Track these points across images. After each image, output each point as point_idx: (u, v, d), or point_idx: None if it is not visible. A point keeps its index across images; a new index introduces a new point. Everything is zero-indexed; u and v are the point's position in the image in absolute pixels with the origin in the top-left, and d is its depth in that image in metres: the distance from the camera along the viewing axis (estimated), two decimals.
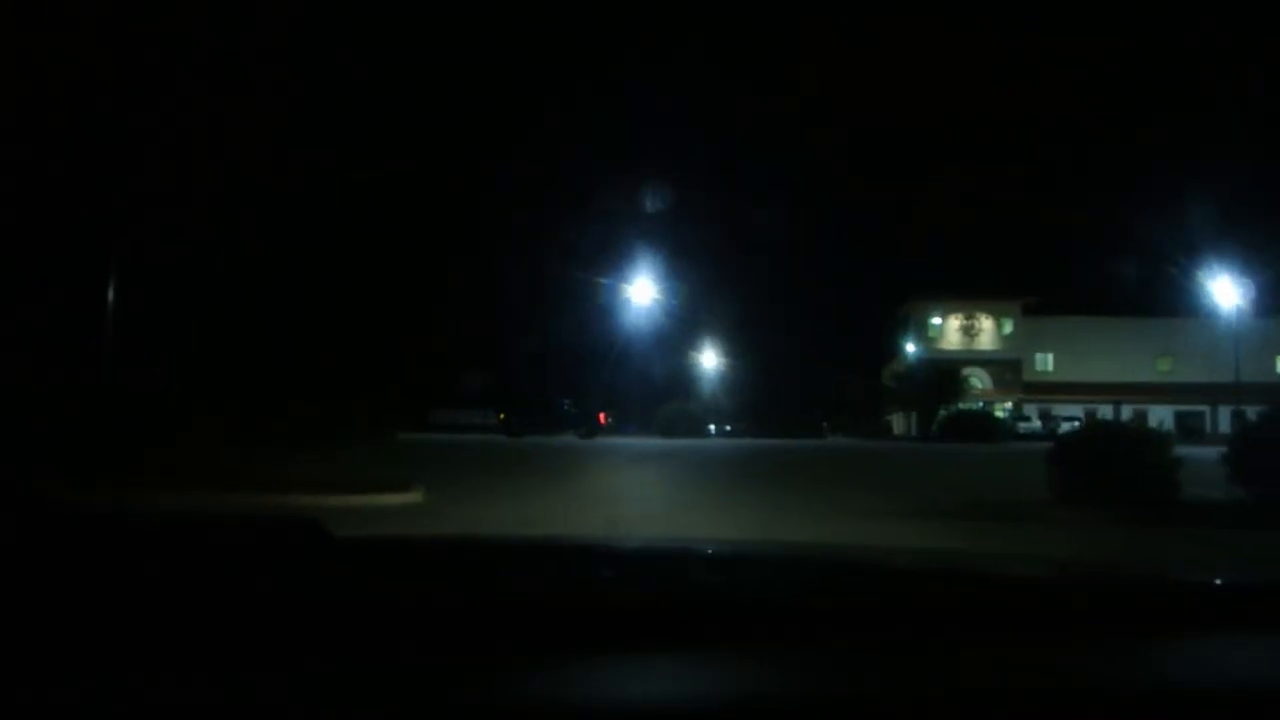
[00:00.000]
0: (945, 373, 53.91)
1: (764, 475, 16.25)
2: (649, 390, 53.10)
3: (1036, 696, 0.77)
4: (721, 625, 0.85)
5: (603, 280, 52.39)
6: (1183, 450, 10.98)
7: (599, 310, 53.49)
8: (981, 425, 45.85)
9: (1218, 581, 1.26)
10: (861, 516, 9.65)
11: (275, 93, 16.07)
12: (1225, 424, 61.52)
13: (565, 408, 39.83)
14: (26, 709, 0.64)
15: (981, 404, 57.70)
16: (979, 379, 59.77)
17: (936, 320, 64.11)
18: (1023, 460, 15.04)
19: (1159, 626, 0.94)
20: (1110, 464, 10.25)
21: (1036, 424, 56.44)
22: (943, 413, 53.02)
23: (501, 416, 40.12)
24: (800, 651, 0.82)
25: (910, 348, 64.07)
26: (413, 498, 10.62)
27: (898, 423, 63.64)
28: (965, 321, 63.54)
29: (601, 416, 42.07)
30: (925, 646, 0.85)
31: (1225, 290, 49.99)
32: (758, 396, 79.55)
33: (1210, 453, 11.26)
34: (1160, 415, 61.54)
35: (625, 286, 51.34)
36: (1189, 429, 59.50)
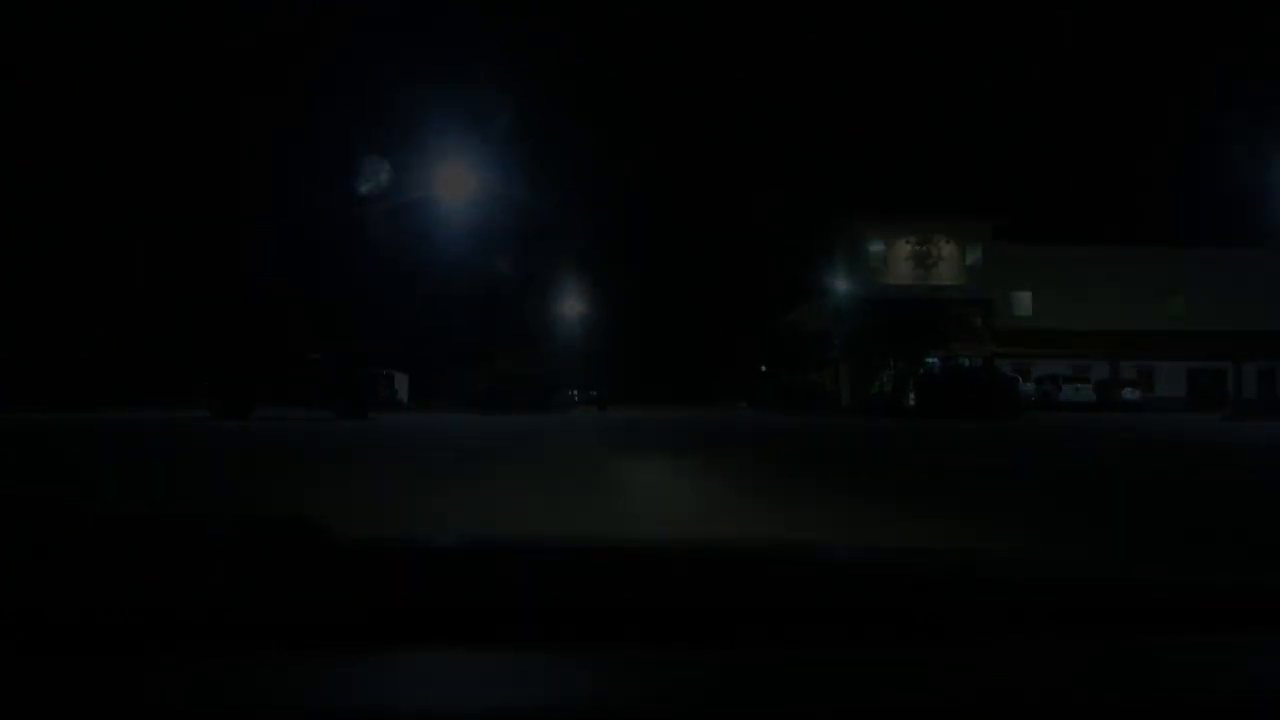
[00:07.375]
0: (928, 309, 36.30)
1: None
2: (472, 343, 34.73)
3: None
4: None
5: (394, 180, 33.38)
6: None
7: (393, 228, 34.75)
8: (990, 389, 29.09)
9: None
10: None
11: None
12: (1251, 387, 47.25)
13: (322, 368, 21.90)
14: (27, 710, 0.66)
15: (935, 361, 41.32)
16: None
17: (878, 246, 47.32)
18: None
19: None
20: None
21: (1028, 387, 40.48)
22: (891, 372, 36.38)
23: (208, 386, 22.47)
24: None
25: (840, 284, 47.28)
26: None
27: (831, 383, 46.96)
28: (918, 247, 46.94)
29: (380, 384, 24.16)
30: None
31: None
32: (633, 352, 62.03)
33: None
34: (1169, 374, 46.66)
35: (433, 181, 32.50)
36: (1204, 392, 44.95)
